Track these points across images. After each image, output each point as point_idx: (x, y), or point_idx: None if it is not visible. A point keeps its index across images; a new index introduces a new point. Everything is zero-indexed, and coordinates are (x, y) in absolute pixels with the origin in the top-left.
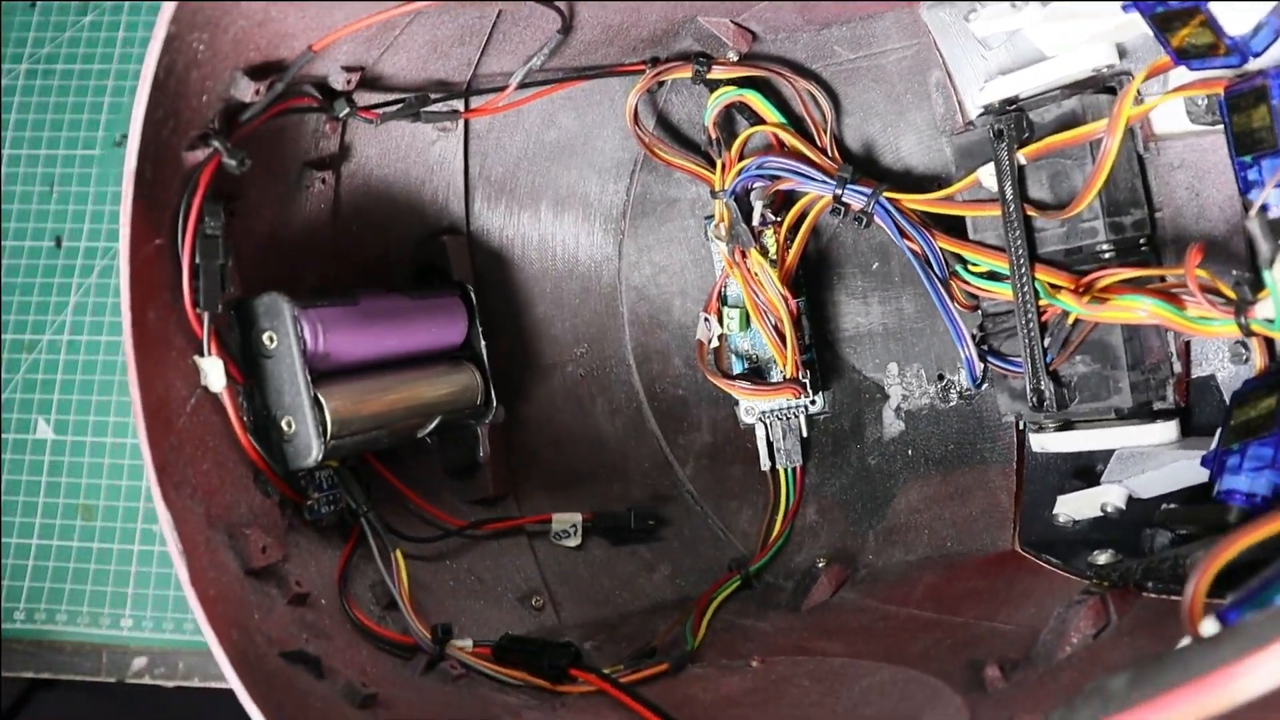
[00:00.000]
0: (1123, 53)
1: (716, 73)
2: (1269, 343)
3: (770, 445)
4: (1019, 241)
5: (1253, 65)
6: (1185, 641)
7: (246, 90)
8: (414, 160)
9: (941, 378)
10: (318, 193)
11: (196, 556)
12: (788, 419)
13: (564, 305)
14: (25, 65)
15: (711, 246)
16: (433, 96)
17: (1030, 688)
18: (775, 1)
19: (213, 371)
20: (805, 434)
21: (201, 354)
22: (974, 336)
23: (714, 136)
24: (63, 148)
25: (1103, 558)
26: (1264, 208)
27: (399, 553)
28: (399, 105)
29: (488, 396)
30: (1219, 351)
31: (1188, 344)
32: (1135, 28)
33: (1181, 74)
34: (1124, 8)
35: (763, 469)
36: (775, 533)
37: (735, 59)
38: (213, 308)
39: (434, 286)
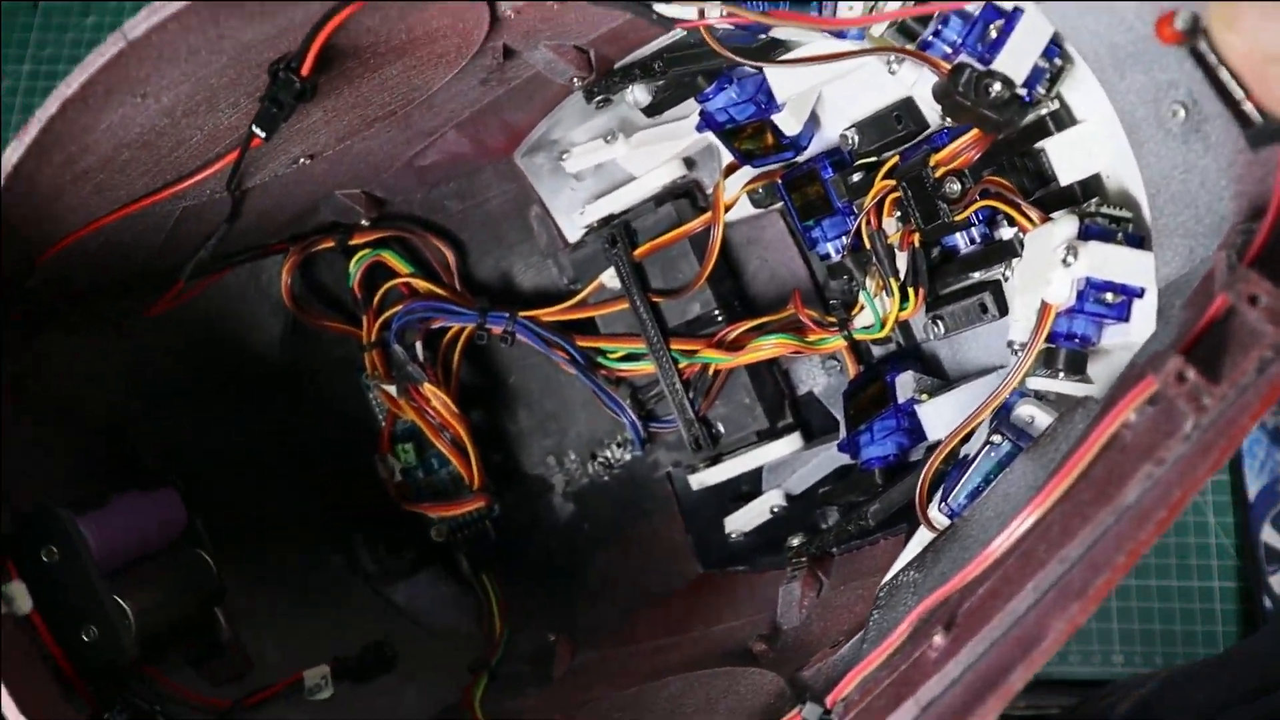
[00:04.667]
0: (690, 164)
1: (356, 239)
2: (855, 351)
3: (467, 555)
4: (651, 324)
5: (800, 158)
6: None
7: None
8: (97, 360)
9: (594, 456)
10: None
11: None
12: (476, 527)
13: (255, 473)
14: (28, 66)
15: (370, 395)
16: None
17: (794, 647)
18: (397, 169)
19: (19, 595)
20: (494, 536)
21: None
22: (631, 406)
23: (359, 296)
24: None
25: (796, 540)
26: (839, 250)
27: None
28: (90, 309)
29: (220, 580)
30: (811, 373)
31: (786, 372)
32: (697, 145)
33: (746, 172)
34: (698, 128)
35: (466, 578)
36: (498, 629)
37: (368, 224)
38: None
39: (141, 480)
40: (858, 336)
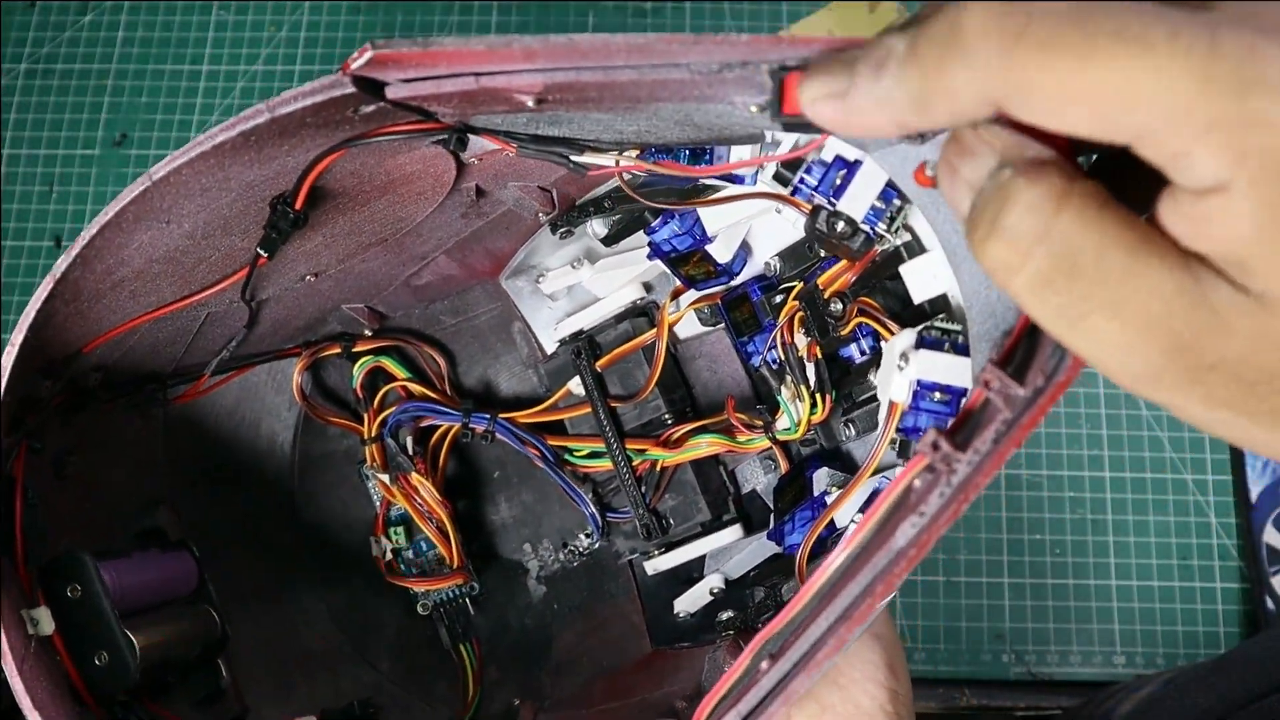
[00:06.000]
0: (649, 288)
1: (359, 347)
2: (785, 450)
3: (448, 628)
4: (609, 426)
5: (735, 281)
6: None
7: (40, 387)
8: (128, 442)
9: (565, 544)
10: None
11: None
12: (456, 604)
13: (262, 546)
14: (25, 65)
15: (369, 483)
16: (148, 388)
17: None
18: (393, 288)
19: (44, 619)
20: (473, 612)
21: (32, 605)
22: (592, 499)
23: (360, 397)
24: (62, 148)
25: (725, 616)
26: (768, 362)
27: None
28: (126, 397)
29: (224, 631)
30: (753, 473)
31: (733, 471)
32: (653, 271)
33: (691, 294)
34: (648, 256)
35: (446, 647)
36: (471, 693)
37: (370, 334)
38: (46, 554)
39: (162, 545)
40: (780, 438)
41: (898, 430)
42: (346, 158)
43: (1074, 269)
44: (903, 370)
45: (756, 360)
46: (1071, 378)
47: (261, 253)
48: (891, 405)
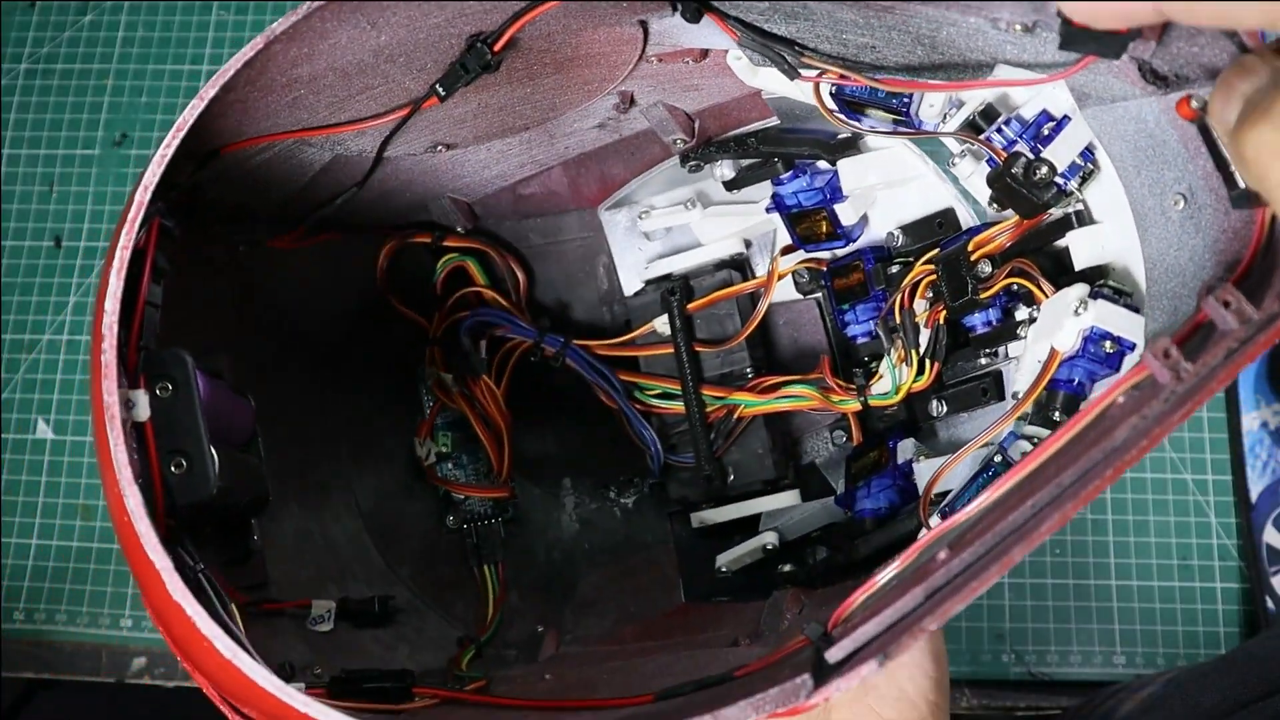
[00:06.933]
0: (748, 244)
1: (448, 242)
2: (863, 423)
3: (476, 548)
4: (689, 368)
5: (848, 250)
6: None
7: (183, 170)
8: (210, 274)
9: (607, 487)
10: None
11: None
12: (488, 524)
13: (303, 429)
14: (25, 65)
15: (422, 385)
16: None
17: (772, 646)
18: (498, 190)
19: (141, 403)
20: (503, 535)
21: (134, 386)
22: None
23: (439, 293)
24: (62, 148)
25: (787, 567)
26: (886, 321)
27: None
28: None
29: (267, 490)
30: (815, 447)
31: (797, 440)
32: (758, 230)
33: (799, 255)
34: (768, 209)
35: (470, 566)
36: (491, 614)
37: (462, 233)
38: (151, 345)
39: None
40: (872, 403)
41: (1049, 384)
42: (549, 17)
43: None
44: (1079, 315)
45: (853, 330)
46: None
47: (439, 90)
48: (1052, 354)
